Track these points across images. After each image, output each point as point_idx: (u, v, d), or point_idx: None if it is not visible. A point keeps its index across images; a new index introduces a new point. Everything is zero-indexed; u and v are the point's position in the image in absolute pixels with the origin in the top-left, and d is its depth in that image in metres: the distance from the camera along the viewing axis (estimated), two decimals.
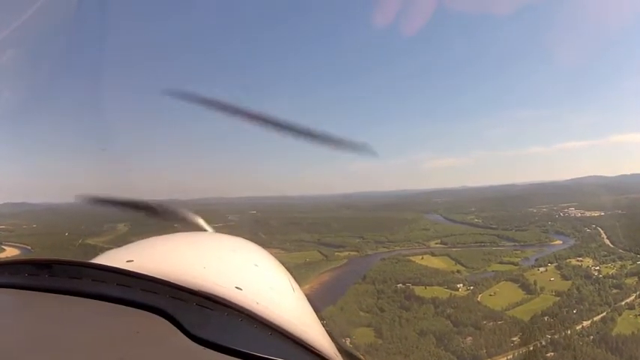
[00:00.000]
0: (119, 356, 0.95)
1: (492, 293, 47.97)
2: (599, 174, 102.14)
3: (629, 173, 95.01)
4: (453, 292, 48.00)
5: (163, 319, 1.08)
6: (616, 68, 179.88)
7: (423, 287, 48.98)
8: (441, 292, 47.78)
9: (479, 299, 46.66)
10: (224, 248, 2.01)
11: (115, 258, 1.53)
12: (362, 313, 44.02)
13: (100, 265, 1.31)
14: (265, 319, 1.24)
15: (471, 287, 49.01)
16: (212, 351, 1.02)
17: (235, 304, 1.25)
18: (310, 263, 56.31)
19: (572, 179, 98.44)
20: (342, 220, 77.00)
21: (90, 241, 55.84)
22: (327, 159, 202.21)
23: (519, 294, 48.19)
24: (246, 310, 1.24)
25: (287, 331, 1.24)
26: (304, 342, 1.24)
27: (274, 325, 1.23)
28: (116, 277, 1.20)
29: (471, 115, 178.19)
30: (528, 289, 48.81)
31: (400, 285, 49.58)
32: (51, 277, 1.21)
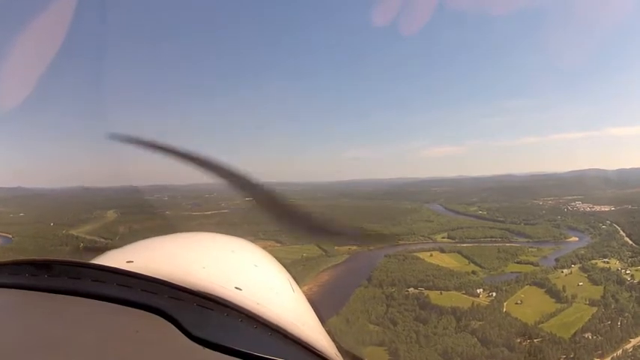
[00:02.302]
0: (119, 356, 0.94)
1: (519, 301, 38.89)
2: (597, 167, 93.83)
3: (627, 167, 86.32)
4: (473, 299, 38.70)
5: (163, 320, 1.03)
6: (611, 61, 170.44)
7: (439, 292, 39.62)
8: (460, 300, 38.37)
9: (505, 309, 37.20)
10: (224, 248, 1.87)
11: (115, 258, 1.46)
12: (371, 327, 34.56)
13: (100, 265, 1.25)
14: (265, 320, 1.19)
15: (493, 293, 39.89)
16: (212, 351, 0.98)
17: (235, 305, 1.19)
18: (308, 259, 46.69)
19: (571, 171, 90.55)
20: (340, 210, 68.00)
21: (73, 232, 52.00)
22: (321, 144, 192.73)
23: (549, 302, 39.27)
24: (246, 310, 1.19)
25: (287, 332, 1.19)
26: (304, 342, 1.19)
27: (274, 325, 1.18)
28: (116, 277, 1.14)
29: (465, 103, 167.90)
30: (558, 296, 40.08)
31: (412, 289, 40.02)
32: (51, 278, 1.16)
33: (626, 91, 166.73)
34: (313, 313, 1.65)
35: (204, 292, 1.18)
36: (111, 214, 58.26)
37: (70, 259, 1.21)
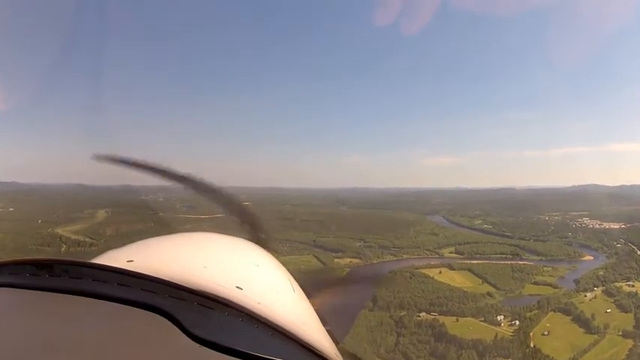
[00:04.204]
0: (120, 356, 0.91)
1: (545, 332, 32.53)
2: (598, 182, 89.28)
3: (628, 184, 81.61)
4: (495, 328, 32.14)
5: (164, 319, 0.99)
6: (615, 77, 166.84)
7: (455, 319, 33.10)
8: (479, 329, 31.94)
9: (532, 342, 30.65)
10: (224, 248, 1.83)
11: (115, 258, 1.42)
12: None
13: (101, 265, 1.20)
14: (266, 319, 1.14)
15: (516, 321, 33.27)
16: (212, 351, 0.95)
17: (236, 304, 1.15)
18: (306, 273, 39.68)
19: (573, 186, 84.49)
20: (338, 218, 62.32)
21: (59, 230, 48.09)
22: (318, 150, 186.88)
23: (578, 333, 33.07)
24: (247, 310, 1.15)
25: (287, 331, 1.15)
26: (305, 342, 1.15)
27: (275, 325, 1.14)
28: (117, 276, 1.10)
29: (467, 114, 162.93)
30: (587, 325, 33.87)
31: (424, 314, 33.37)
32: (51, 277, 1.10)
33: (628, 107, 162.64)
34: (314, 312, 1.59)
35: (205, 292, 1.13)
36: (101, 214, 53.45)
37: (70, 259, 1.13)
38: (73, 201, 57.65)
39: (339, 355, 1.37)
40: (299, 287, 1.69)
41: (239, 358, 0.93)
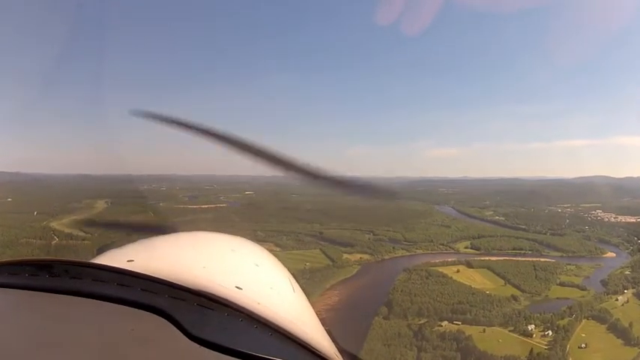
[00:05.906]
0: (119, 356, 0.90)
1: (583, 344, 27.89)
2: (603, 174, 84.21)
3: (635, 176, 77.60)
4: (527, 340, 27.71)
5: (163, 319, 0.98)
6: (619, 70, 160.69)
7: (481, 329, 28.32)
8: (510, 342, 27.56)
9: (570, 358, 26.01)
10: (224, 248, 1.76)
11: (115, 258, 1.38)
12: None
13: (101, 265, 1.19)
14: (265, 319, 1.12)
15: (548, 332, 28.46)
16: (212, 351, 0.94)
17: (236, 304, 1.13)
18: (312, 271, 35.36)
19: (578, 177, 78.41)
20: (345, 208, 56.66)
21: (54, 223, 44.31)
22: (323, 140, 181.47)
23: (616, 344, 28.91)
24: (247, 310, 1.13)
25: (287, 331, 1.13)
26: (304, 342, 1.13)
27: (274, 325, 1.12)
28: (117, 277, 1.09)
29: (474, 106, 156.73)
30: (625, 336, 29.51)
31: (446, 323, 28.67)
32: (51, 277, 1.10)
33: (633, 101, 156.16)
34: (313, 312, 1.55)
35: (205, 292, 1.11)
36: (100, 205, 50.34)
37: (70, 259, 1.12)
38: (73, 192, 55.13)
39: (339, 355, 1.31)
40: (299, 287, 1.61)
41: (239, 358, 0.92)
